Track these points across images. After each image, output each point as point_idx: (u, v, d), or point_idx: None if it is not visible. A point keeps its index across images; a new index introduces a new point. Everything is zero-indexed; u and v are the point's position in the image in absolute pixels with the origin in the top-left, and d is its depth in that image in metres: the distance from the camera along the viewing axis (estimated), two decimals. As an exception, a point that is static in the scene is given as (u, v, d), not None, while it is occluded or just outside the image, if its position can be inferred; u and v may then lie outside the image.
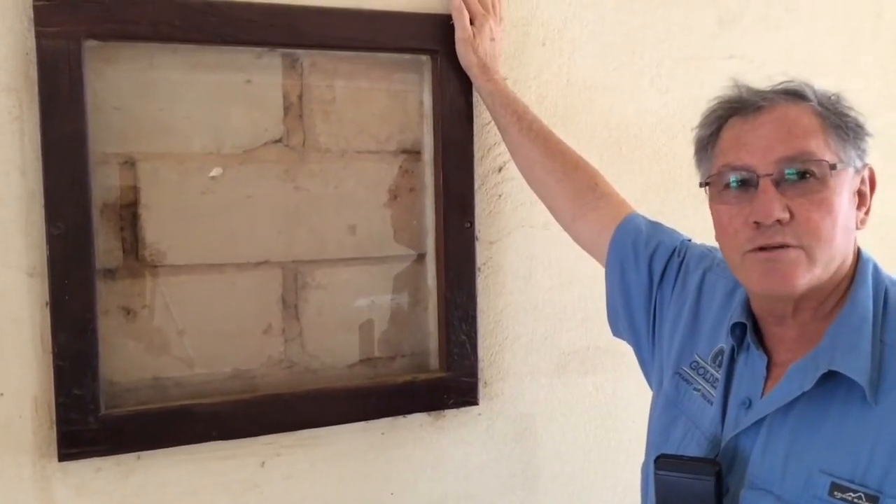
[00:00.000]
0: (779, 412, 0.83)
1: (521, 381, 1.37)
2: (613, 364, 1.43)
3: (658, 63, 1.42)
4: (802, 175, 0.81)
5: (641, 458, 1.04)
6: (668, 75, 1.43)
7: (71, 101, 1.06)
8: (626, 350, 1.42)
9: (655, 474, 0.85)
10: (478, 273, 1.31)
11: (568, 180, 1.17)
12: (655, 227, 1.11)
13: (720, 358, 0.93)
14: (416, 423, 1.29)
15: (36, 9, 1.03)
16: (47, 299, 1.06)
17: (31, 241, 1.07)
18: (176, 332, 1.17)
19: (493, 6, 1.25)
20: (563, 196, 1.18)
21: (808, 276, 0.82)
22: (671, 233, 1.10)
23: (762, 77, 0.89)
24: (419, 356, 1.33)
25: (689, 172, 1.45)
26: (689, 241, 1.09)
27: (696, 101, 1.44)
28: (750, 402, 0.86)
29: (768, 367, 0.88)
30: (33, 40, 1.04)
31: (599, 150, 1.39)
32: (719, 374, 0.91)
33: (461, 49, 1.23)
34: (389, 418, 1.27)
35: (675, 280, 1.04)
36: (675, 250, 1.06)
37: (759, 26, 1.49)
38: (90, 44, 1.08)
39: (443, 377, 1.29)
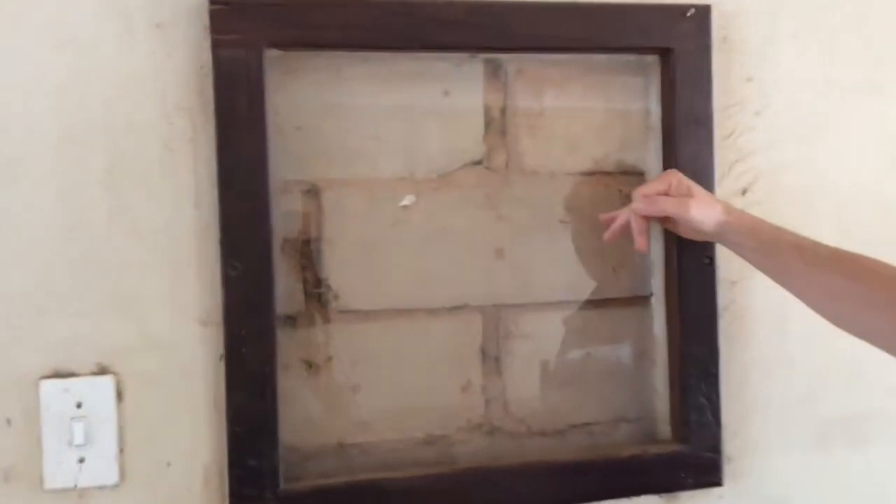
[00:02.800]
0: None
1: (773, 456, 1.09)
2: (890, 436, 1.13)
3: (942, 55, 1.13)
4: None
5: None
6: (956, 70, 1.13)
7: (251, 120, 0.91)
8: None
9: None
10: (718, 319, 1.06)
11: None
12: None
13: None
14: (646, 507, 1.05)
15: (212, 14, 0.89)
16: (222, 352, 0.91)
17: (204, 283, 0.92)
18: (363, 389, 0.99)
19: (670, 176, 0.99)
20: None
21: None
22: None
23: None
24: (646, 422, 1.08)
25: None
26: None
27: None
28: None
29: None
30: (209, 51, 0.90)
31: (868, 168, 1.11)
32: None
33: (695, 225, 0.95)
34: (613, 501, 1.03)
35: None
36: None
37: None
38: (271, 54, 0.93)
39: (678, 451, 1.04)
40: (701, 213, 0.94)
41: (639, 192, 0.98)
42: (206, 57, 0.90)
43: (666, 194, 0.97)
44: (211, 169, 0.91)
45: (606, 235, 1.01)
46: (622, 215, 1.00)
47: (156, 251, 0.91)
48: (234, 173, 0.90)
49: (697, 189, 0.97)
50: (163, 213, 0.91)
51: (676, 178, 0.98)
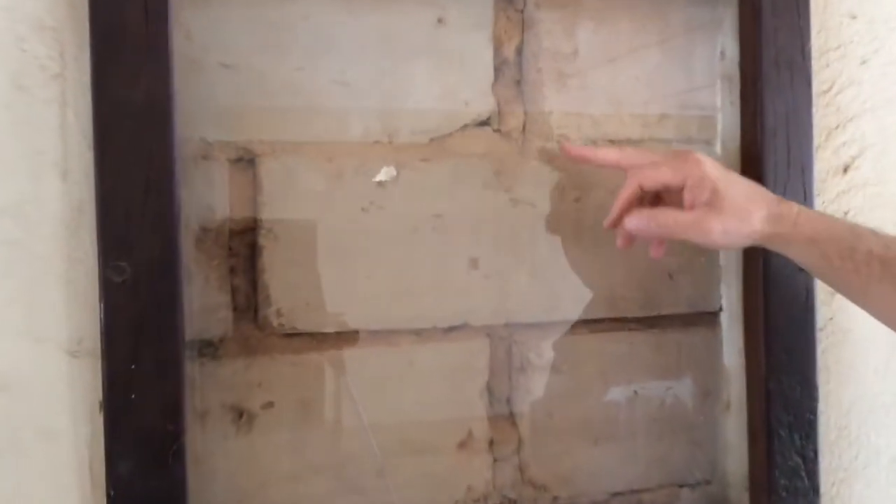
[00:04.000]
0: None
1: (882, 529, 0.81)
2: None
3: None
4: None
5: None
6: None
7: (147, 48, 0.60)
8: None
9: None
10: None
11: None
12: None
13: None
14: None
15: None
16: (100, 398, 0.60)
17: (73, 294, 0.61)
18: (320, 446, 0.69)
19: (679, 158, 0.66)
20: None
21: None
22: None
23: None
24: (715, 488, 0.79)
25: None
26: None
27: None
28: None
29: None
30: (83, -61, 0.59)
31: None
32: None
33: (723, 247, 0.70)
34: None
35: None
36: None
37: None
38: (181, -50, 0.62)
39: (762, 529, 0.75)
40: (729, 234, 0.62)
41: (634, 181, 0.65)
42: (80, -49, 0.59)
43: (679, 192, 0.64)
44: (86, 120, 0.60)
45: (619, 242, 0.69)
46: (618, 206, 0.66)
47: (-3, 245, 0.60)
48: (120, 128, 0.60)
49: (726, 187, 0.63)
50: (10, 187, 0.60)
51: (698, 170, 0.63)
